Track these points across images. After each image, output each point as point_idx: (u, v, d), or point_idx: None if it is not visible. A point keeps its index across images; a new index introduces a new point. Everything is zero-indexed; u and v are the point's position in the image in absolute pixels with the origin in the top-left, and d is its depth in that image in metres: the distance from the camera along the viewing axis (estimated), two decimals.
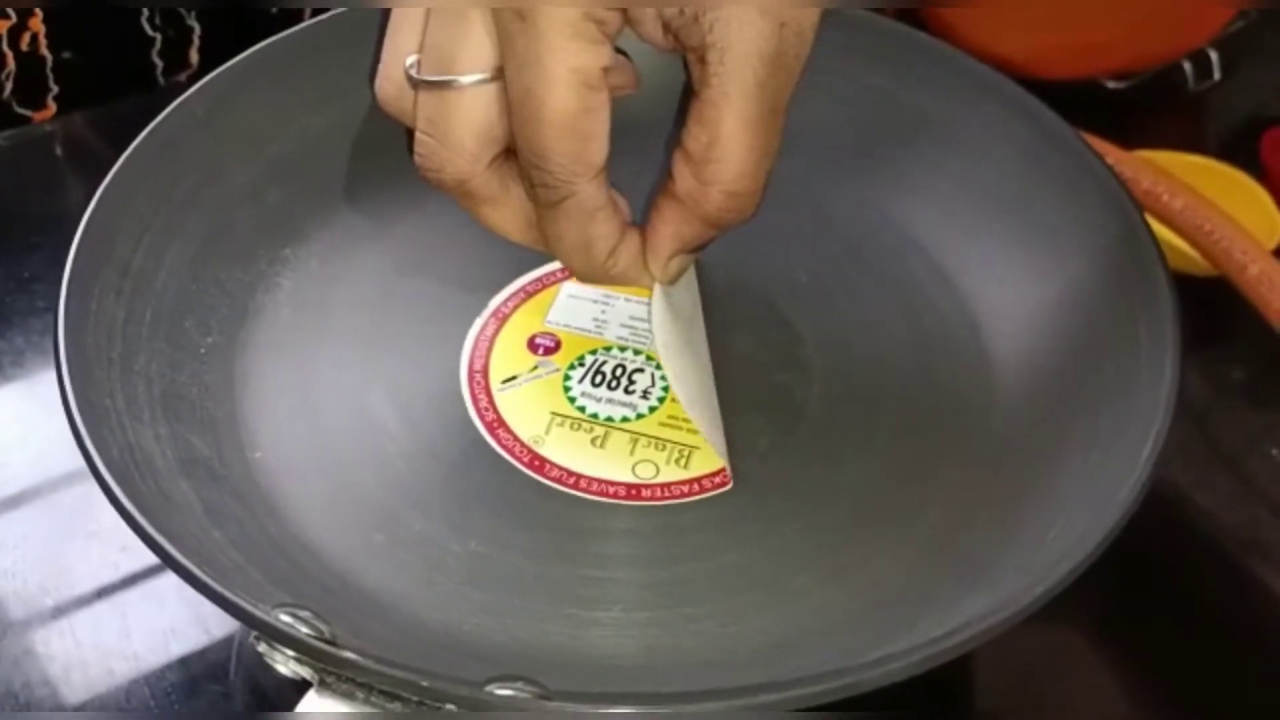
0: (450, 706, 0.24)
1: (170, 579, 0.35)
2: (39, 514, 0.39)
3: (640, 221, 0.34)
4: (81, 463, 0.28)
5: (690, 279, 0.37)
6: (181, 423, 0.33)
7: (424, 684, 0.24)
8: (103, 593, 0.36)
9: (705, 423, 0.34)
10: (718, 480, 0.34)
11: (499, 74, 0.30)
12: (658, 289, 0.35)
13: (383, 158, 0.42)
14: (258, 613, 0.25)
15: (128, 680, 0.35)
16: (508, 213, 0.33)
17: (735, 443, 0.35)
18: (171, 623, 0.36)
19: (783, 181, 0.42)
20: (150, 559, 0.33)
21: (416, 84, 0.31)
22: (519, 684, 0.25)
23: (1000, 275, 0.39)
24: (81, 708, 0.34)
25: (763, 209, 0.41)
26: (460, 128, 0.31)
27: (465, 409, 0.35)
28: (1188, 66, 0.55)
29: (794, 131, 0.42)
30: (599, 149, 0.30)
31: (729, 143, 0.30)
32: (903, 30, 0.42)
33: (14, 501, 0.39)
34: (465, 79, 0.30)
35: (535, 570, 0.32)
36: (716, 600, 0.32)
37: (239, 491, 0.32)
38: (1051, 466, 0.33)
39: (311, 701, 0.25)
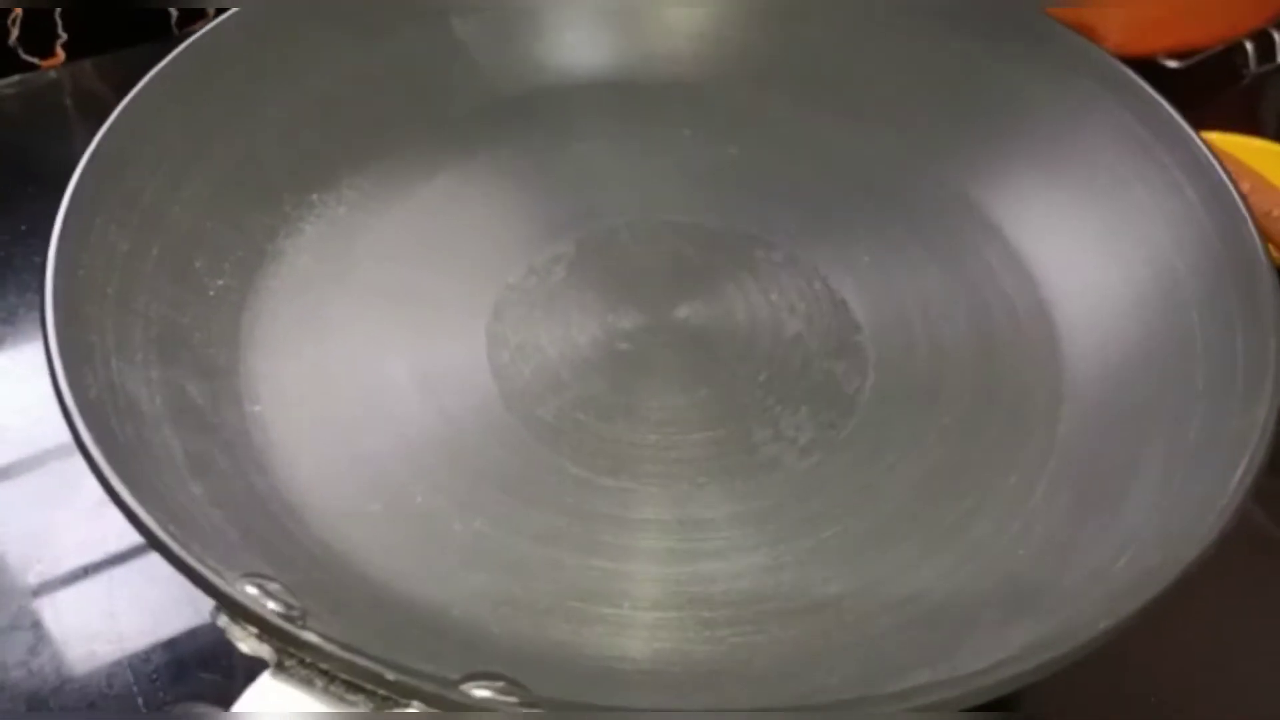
0: (416, 705, 0.22)
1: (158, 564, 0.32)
2: (25, 484, 0.36)
3: None
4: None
5: None
6: (177, 367, 0.30)
7: (390, 677, 0.21)
8: (88, 570, 0.34)
9: None
10: None
11: None
12: None
13: (428, 104, 0.40)
14: (215, 580, 0.23)
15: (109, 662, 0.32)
16: None
17: (776, 433, 0.32)
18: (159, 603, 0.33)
19: (846, 151, 0.39)
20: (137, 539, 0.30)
21: None
22: (500, 684, 0.23)
23: (1082, 267, 0.36)
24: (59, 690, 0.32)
25: (820, 179, 0.38)
26: None
27: (488, 379, 0.33)
28: (1249, 47, 0.52)
29: (855, 96, 0.40)
30: None
31: None
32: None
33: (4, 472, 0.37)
34: None
35: (541, 555, 0.29)
36: (737, 603, 0.29)
37: (229, 444, 0.30)
38: (1124, 484, 0.30)
39: (264, 685, 0.22)
